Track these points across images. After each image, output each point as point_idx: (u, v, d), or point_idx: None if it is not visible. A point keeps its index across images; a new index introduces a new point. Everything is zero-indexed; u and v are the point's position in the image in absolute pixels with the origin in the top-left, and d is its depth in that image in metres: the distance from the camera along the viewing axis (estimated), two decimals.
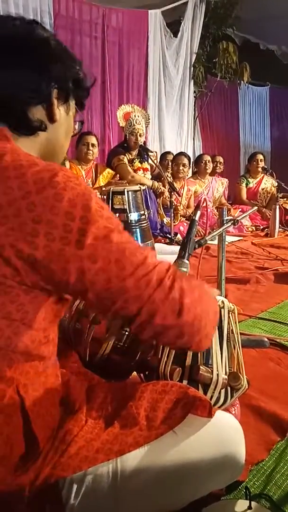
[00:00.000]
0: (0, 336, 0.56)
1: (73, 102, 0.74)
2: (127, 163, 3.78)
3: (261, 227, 4.53)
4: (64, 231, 0.54)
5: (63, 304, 0.65)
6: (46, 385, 0.64)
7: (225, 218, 1.50)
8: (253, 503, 0.78)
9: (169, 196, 3.74)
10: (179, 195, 4.09)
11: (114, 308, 0.58)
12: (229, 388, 0.87)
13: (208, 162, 4.68)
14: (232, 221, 1.45)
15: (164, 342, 0.64)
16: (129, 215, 2.40)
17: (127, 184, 3.23)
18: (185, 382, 0.83)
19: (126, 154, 3.83)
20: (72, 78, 0.71)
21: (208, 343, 0.69)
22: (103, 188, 2.82)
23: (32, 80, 0.64)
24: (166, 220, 3.92)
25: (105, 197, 2.52)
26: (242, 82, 6.28)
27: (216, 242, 1.59)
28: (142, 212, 2.48)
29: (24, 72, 0.64)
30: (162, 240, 3.72)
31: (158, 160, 4.67)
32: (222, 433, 0.72)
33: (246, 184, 5.05)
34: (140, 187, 2.55)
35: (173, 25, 5.39)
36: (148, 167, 4.05)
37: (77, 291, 0.57)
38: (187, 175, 4.54)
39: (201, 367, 0.83)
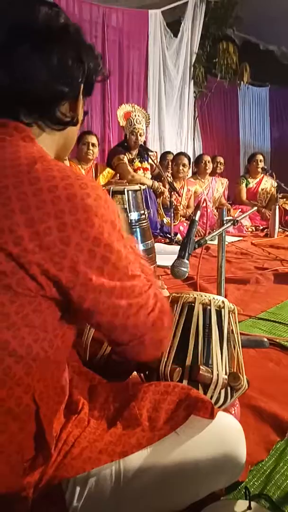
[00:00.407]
0: (22, 344, 0.56)
1: None
2: (127, 162, 3.78)
3: (261, 227, 4.53)
4: (89, 256, 0.55)
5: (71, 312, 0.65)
6: (59, 390, 0.64)
7: (225, 218, 1.50)
8: (252, 503, 0.77)
9: (169, 196, 3.74)
10: (179, 195, 4.09)
11: (109, 336, 0.63)
12: (229, 388, 0.87)
13: (208, 162, 4.68)
14: (232, 221, 1.45)
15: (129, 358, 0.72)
16: (129, 214, 2.39)
17: (127, 184, 3.23)
18: (185, 382, 0.83)
19: (126, 154, 3.83)
20: (96, 71, 0.69)
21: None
22: (103, 188, 2.82)
23: (69, 72, 0.62)
24: (166, 220, 3.92)
25: None
26: (242, 82, 6.30)
27: (216, 242, 1.59)
28: (142, 211, 2.47)
29: (61, 63, 0.61)
30: (162, 240, 3.72)
31: (158, 160, 4.67)
32: (223, 434, 0.72)
33: (246, 185, 5.05)
34: (140, 186, 2.55)
35: (173, 25, 5.39)
36: (148, 166, 4.05)
37: (84, 314, 0.60)
38: (187, 175, 4.54)
39: (201, 367, 0.83)
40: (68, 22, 0.64)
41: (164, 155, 4.96)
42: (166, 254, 2.92)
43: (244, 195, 5.02)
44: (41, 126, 0.64)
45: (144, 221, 2.49)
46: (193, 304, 0.93)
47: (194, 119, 6.11)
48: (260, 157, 4.97)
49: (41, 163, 0.56)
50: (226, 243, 1.75)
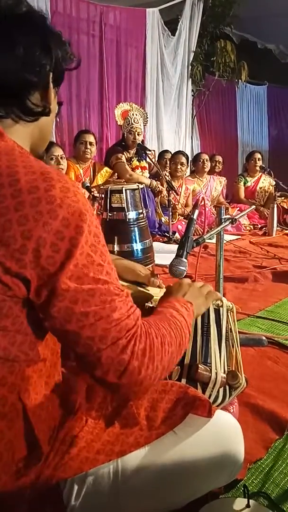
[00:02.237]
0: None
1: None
2: (125, 161, 3.77)
3: (259, 226, 4.54)
4: (52, 250, 0.52)
5: None
6: (49, 387, 0.63)
7: (223, 217, 1.49)
8: (251, 501, 0.78)
9: (167, 195, 3.74)
10: (177, 194, 4.09)
11: (64, 343, 0.58)
12: (227, 387, 0.88)
13: (206, 161, 4.68)
14: (230, 220, 1.45)
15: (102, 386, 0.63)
16: (127, 213, 2.39)
17: (125, 183, 3.23)
18: (183, 380, 0.84)
19: (124, 153, 3.83)
20: (64, 61, 0.67)
21: (144, 395, 0.68)
22: (101, 187, 2.81)
23: (37, 60, 0.60)
24: (164, 219, 3.92)
25: (103, 195, 2.51)
26: (240, 80, 6.29)
27: (214, 240, 1.59)
28: (140, 210, 2.47)
29: (29, 52, 0.59)
30: (160, 239, 3.72)
31: (156, 158, 4.67)
32: (222, 432, 0.72)
33: (244, 183, 5.05)
34: (138, 185, 2.54)
35: (171, 24, 5.38)
36: (146, 165, 4.05)
37: (39, 311, 0.56)
38: (185, 173, 4.54)
39: (199, 365, 0.83)
40: (31, 9, 0.62)
41: (162, 154, 4.95)
42: (164, 253, 2.92)
43: (242, 194, 5.02)
44: (14, 118, 0.62)
45: (142, 220, 2.48)
46: None
47: (192, 117, 6.10)
48: (258, 155, 4.97)
49: (6, 157, 0.54)
50: (224, 241, 1.75)
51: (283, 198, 4.65)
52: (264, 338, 1.69)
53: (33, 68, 0.60)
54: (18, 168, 0.53)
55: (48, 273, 0.52)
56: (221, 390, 0.86)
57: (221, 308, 0.95)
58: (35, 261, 0.52)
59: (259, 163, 4.93)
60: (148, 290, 1.13)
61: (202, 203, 1.31)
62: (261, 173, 5.01)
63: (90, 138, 3.56)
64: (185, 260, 1.04)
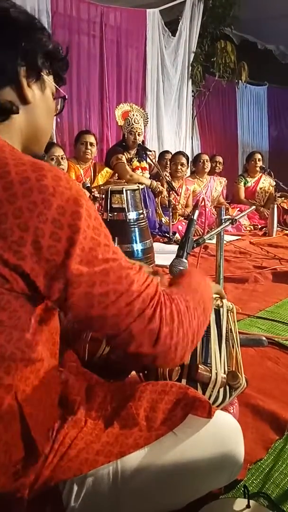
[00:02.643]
0: None
1: (49, 78, 0.68)
2: (125, 162, 3.78)
3: (259, 226, 4.54)
4: (52, 240, 0.51)
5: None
6: (47, 388, 0.62)
7: (223, 217, 1.50)
8: (251, 502, 0.78)
9: (167, 195, 3.74)
10: (178, 195, 4.09)
11: (92, 330, 0.58)
12: (227, 387, 0.87)
13: (206, 161, 4.68)
14: (230, 220, 1.46)
15: (138, 362, 0.63)
16: (127, 214, 2.39)
17: (126, 183, 3.23)
18: (184, 381, 0.83)
19: (125, 153, 3.83)
20: (42, 52, 0.64)
21: (182, 362, 0.68)
22: (102, 187, 2.82)
23: None
24: (164, 219, 3.92)
25: (103, 196, 2.51)
26: (240, 81, 6.29)
27: (214, 241, 1.59)
28: (141, 211, 2.47)
29: None
30: (161, 239, 3.72)
31: (157, 159, 4.67)
32: (221, 433, 0.72)
33: (244, 184, 5.05)
34: (138, 186, 2.55)
35: (171, 24, 5.38)
36: (147, 166, 4.05)
37: (58, 307, 0.56)
38: (186, 174, 4.54)
39: (200, 366, 0.83)
40: (5, 4, 0.60)
41: (163, 154, 4.95)
42: (165, 254, 2.92)
43: (242, 194, 5.03)
44: None
45: (143, 221, 2.49)
46: None
47: (192, 118, 6.11)
48: (258, 156, 4.97)
49: None
50: (225, 242, 1.75)
51: (283, 198, 4.65)
52: (264, 338, 1.69)
53: None
54: (7, 160, 0.53)
55: (55, 264, 0.52)
56: (221, 390, 0.86)
57: (221, 309, 0.95)
58: (37, 253, 0.51)
59: (259, 163, 4.93)
60: None
61: (202, 203, 1.31)
62: (261, 174, 5.01)
63: (91, 139, 3.57)
64: (185, 260, 1.04)
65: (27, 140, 0.66)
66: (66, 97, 0.76)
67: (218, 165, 5.15)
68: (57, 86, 0.71)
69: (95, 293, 0.54)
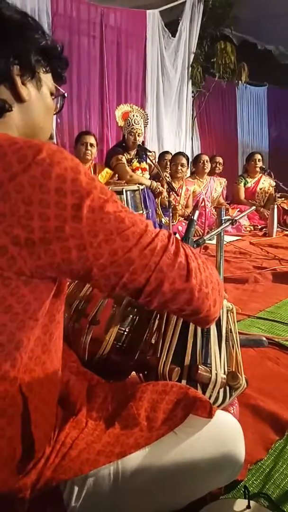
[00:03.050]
0: (2, 331, 0.53)
1: (47, 76, 0.68)
2: (125, 163, 3.78)
3: (259, 226, 4.54)
4: (58, 209, 0.52)
5: (61, 298, 0.63)
6: (51, 381, 0.63)
7: (223, 218, 1.49)
8: (251, 502, 0.78)
9: (167, 196, 3.74)
10: (178, 195, 4.09)
11: (122, 281, 0.56)
12: (227, 388, 0.87)
13: (206, 162, 4.69)
14: (230, 221, 1.46)
15: (174, 309, 0.62)
16: None
17: (126, 184, 3.23)
18: (184, 381, 0.83)
19: (125, 154, 3.83)
20: (35, 50, 0.64)
21: (217, 312, 0.68)
22: None
23: None
24: (164, 220, 3.92)
25: None
26: (240, 82, 6.30)
27: (214, 241, 1.59)
28: (141, 211, 2.48)
29: None
30: None
31: (157, 160, 4.67)
32: (222, 433, 0.72)
33: (244, 184, 5.06)
34: (138, 187, 2.55)
35: (171, 25, 5.39)
36: (147, 167, 4.05)
37: (80, 270, 0.55)
38: (186, 175, 4.54)
39: (200, 366, 0.83)
40: None
41: (163, 155, 4.96)
42: None
43: (242, 195, 5.03)
44: None
45: None
46: None
47: (192, 119, 6.11)
48: (258, 156, 4.97)
49: None
50: (225, 242, 1.75)
51: (283, 199, 4.65)
52: (264, 339, 1.69)
53: None
54: (1, 141, 0.53)
55: (65, 228, 0.52)
56: (221, 391, 0.86)
57: (221, 309, 0.95)
58: (45, 224, 0.51)
59: (259, 164, 4.93)
60: None
61: (203, 204, 1.31)
62: (261, 174, 5.02)
63: (91, 140, 3.57)
64: None
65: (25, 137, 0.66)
66: (66, 95, 0.76)
67: (218, 165, 5.15)
68: (55, 84, 0.71)
69: (115, 238, 0.54)
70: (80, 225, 0.52)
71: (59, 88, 0.72)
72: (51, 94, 0.70)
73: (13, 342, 0.55)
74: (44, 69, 0.67)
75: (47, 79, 0.68)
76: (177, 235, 3.64)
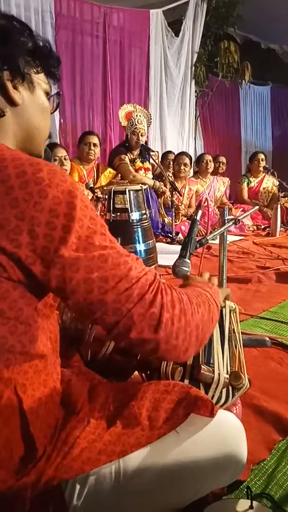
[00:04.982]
0: None
1: (39, 76, 0.69)
2: (128, 162, 3.78)
3: (263, 226, 4.53)
4: (48, 229, 0.53)
5: (55, 298, 0.63)
6: (47, 384, 0.63)
7: (226, 218, 1.49)
8: (254, 503, 0.77)
9: (170, 195, 3.74)
10: (181, 195, 4.09)
11: (93, 317, 0.57)
12: (230, 388, 0.87)
13: (209, 161, 4.68)
14: (233, 221, 1.45)
15: (139, 353, 0.63)
16: (130, 214, 2.39)
17: (129, 184, 3.23)
18: (186, 381, 0.83)
19: (128, 154, 3.84)
20: (23, 53, 0.64)
21: (189, 356, 0.66)
22: (105, 188, 2.82)
23: None
24: (167, 219, 3.92)
25: (106, 196, 2.52)
26: (243, 81, 6.27)
27: (217, 241, 1.58)
28: (144, 211, 2.47)
29: None
30: (164, 240, 3.72)
31: (160, 159, 4.67)
32: (224, 432, 0.72)
33: (248, 184, 5.04)
34: (141, 186, 2.54)
35: (175, 25, 5.38)
36: (150, 166, 4.05)
37: (57, 295, 0.56)
38: (189, 174, 4.53)
39: (202, 366, 0.83)
40: None
41: (166, 154, 4.95)
42: (168, 254, 2.92)
43: (245, 194, 5.01)
44: None
45: (146, 221, 2.48)
46: None
47: (195, 118, 6.10)
48: (261, 156, 4.96)
49: None
50: (228, 242, 1.75)
51: (286, 198, 4.63)
52: (267, 339, 1.68)
53: None
54: (5, 156, 0.55)
55: (50, 251, 0.53)
56: (224, 391, 0.86)
57: (224, 309, 0.95)
58: (33, 242, 0.52)
59: (263, 163, 4.92)
60: None
61: (206, 203, 1.31)
62: (264, 174, 5.00)
63: (94, 139, 3.57)
64: (188, 260, 1.04)
65: (22, 141, 0.68)
66: (60, 93, 0.77)
67: (221, 165, 5.14)
68: (50, 83, 0.71)
69: (94, 278, 0.54)
70: (65, 252, 0.53)
71: (52, 86, 0.73)
72: (47, 93, 0.71)
73: (6, 345, 0.55)
74: (35, 70, 0.68)
75: (40, 79, 0.69)
76: (180, 235, 3.64)
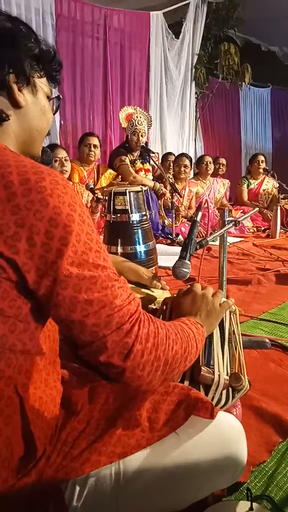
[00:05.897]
0: None
1: (42, 81, 0.70)
2: (129, 164, 3.79)
3: (263, 228, 4.53)
4: (46, 238, 0.53)
5: None
6: (48, 384, 0.63)
7: (226, 219, 1.50)
8: (254, 504, 0.77)
9: (170, 197, 3.75)
10: (181, 196, 4.09)
11: (70, 333, 0.58)
12: (230, 389, 0.87)
13: (210, 163, 4.68)
14: (233, 222, 1.45)
15: (106, 374, 0.64)
16: (130, 215, 2.39)
17: (129, 185, 3.23)
18: (186, 383, 0.83)
19: (128, 155, 3.84)
20: (29, 58, 0.66)
21: (153, 388, 0.66)
22: (105, 189, 2.83)
23: None
24: (167, 221, 3.92)
25: (107, 197, 2.52)
26: (243, 83, 6.28)
27: (217, 243, 1.59)
28: (144, 213, 2.47)
29: None
30: (164, 241, 3.72)
31: (160, 161, 4.67)
32: (224, 434, 0.72)
33: (248, 185, 5.05)
34: (141, 188, 2.55)
35: (175, 27, 5.39)
36: (150, 168, 4.06)
37: (42, 302, 0.57)
38: (189, 176, 4.54)
39: (202, 368, 0.83)
40: None
41: (166, 156, 4.96)
42: (168, 255, 2.92)
43: (245, 196, 5.02)
44: None
45: (146, 222, 2.49)
46: None
47: (195, 120, 6.11)
48: (261, 158, 4.97)
49: None
50: (228, 244, 1.75)
51: (286, 200, 4.63)
52: (267, 340, 1.69)
53: None
54: (9, 162, 0.55)
55: (46, 261, 0.54)
56: (224, 392, 0.86)
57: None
58: (30, 249, 0.53)
59: (263, 165, 4.93)
60: (152, 292, 1.13)
61: (206, 205, 1.32)
62: (264, 176, 5.01)
63: (95, 141, 3.58)
64: (188, 262, 1.04)
65: (23, 143, 0.69)
66: (61, 96, 0.78)
67: (221, 167, 5.15)
68: (52, 88, 0.73)
69: (80, 299, 0.55)
70: (60, 265, 0.54)
71: (54, 91, 0.74)
72: (47, 97, 0.73)
73: (7, 344, 0.55)
74: (38, 74, 0.69)
75: (42, 83, 0.70)
76: (180, 237, 3.64)
